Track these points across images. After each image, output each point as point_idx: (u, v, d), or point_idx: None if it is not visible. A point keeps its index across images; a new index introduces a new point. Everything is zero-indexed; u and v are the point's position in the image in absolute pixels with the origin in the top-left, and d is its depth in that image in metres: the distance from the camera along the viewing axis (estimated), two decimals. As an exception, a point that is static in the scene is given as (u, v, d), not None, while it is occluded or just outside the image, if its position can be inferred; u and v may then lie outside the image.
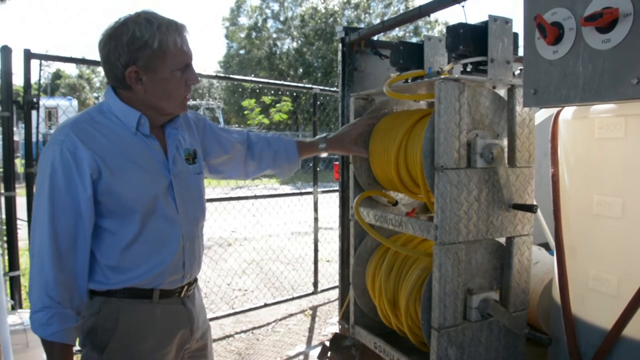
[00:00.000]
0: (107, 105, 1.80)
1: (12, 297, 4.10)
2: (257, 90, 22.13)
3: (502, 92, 2.44)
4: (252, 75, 30.01)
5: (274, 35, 35.91)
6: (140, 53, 1.68)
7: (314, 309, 6.02)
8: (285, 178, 2.58)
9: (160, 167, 1.83)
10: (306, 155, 2.58)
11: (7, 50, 3.96)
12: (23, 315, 3.70)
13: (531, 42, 1.79)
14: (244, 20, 36.91)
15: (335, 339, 3.14)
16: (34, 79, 4.11)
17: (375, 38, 3.33)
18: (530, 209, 2.24)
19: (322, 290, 6.45)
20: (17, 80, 4.16)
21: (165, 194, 1.83)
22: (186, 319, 1.95)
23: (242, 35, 36.33)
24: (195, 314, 2.00)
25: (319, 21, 32.88)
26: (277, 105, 19.91)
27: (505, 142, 2.38)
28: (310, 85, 6.43)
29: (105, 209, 1.73)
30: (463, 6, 2.46)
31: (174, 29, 1.73)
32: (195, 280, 2.05)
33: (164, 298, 1.86)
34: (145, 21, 1.69)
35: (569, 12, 1.64)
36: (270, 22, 36.07)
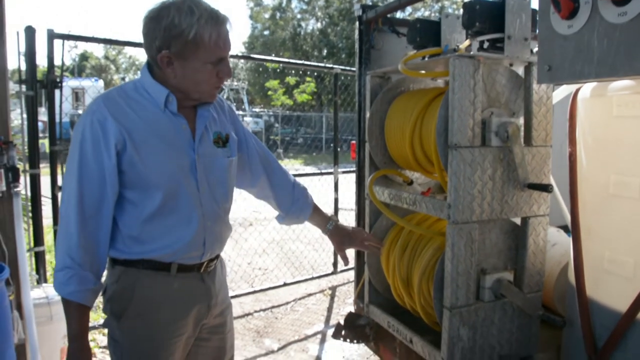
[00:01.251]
0: (140, 82, 1.84)
1: (37, 272, 4.18)
2: (280, 71, 22.07)
3: (519, 69, 2.39)
4: (273, 56, 30.01)
5: (298, 16, 35.68)
6: (175, 41, 1.71)
7: (333, 289, 6.04)
8: (283, 222, 2.43)
9: (185, 146, 1.85)
10: (313, 221, 2.43)
11: (31, 31, 4.01)
12: (47, 289, 3.78)
13: (546, 17, 1.74)
14: (268, 1, 36.69)
15: (350, 317, 3.15)
16: (57, 58, 4.16)
17: (398, 16, 3.28)
18: (546, 188, 2.21)
19: (342, 271, 6.45)
20: (42, 61, 4.22)
21: (187, 172, 1.85)
22: (204, 294, 1.97)
23: (267, 16, 36.16)
24: (214, 290, 2.02)
25: (343, 1, 32.59)
26: (302, 86, 19.89)
27: (521, 121, 2.34)
28: (330, 65, 6.40)
29: (129, 180, 1.77)
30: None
31: (214, 23, 1.74)
32: (217, 257, 2.06)
33: (181, 272, 1.89)
34: (188, 9, 1.70)
35: (584, -15, 1.59)
36: (294, 3, 35.81)
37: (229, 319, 2.16)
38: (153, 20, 1.73)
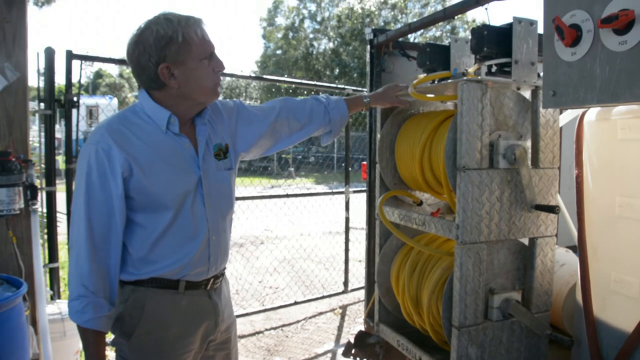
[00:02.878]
0: (140, 106, 1.89)
1: (52, 288, 4.25)
2: (292, 91, 22.19)
3: (527, 93, 2.44)
4: (286, 75, 30.12)
5: (311, 36, 35.94)
6: (168, 49, 1.77)
7: (344, 307, 6.06)
8: (336, 135, 2.52)
9: (190, 164, 1.91)
10: (353, 110, 2.55)
11: (50, 52, 4.12)
12: (61, 305, 3.84)
13: (550, 43, 1.80)
14: (281, 21, 37.05)
15: (360, 336, 3.18)
16: (75, 78, 4.27)
17: (410, 39, 3.35)
18: (553, 209, 2.25)
19: (353, 290, 6.48)
20: (60, 79, 4.32)
21: (195, 190, 1.91)
22: (211, 311, 2.02)
23: (279, 35, 36.47)
24: (221, 307, 2.07)
25: (355, 21, 32.78)
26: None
27: (529, 143, 2.39)
28: (342, 86, 6.48)
29: (137, 205, 1.82)
30: (486, 8, 2.47)
31: (193, 22, 1.82)
32: (223, 274, 2.12)
33: (189, 289, 1.94)
34: (165, 20, 1.78)
35: (587, 14, 1.64)
36: (307, 23, 36.12)
37: (233, 334, 2.21)
38: (140, 43, 1.79)
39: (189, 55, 1.81)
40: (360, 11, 33.12)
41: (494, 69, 2.38)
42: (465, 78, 2.27)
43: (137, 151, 1.80)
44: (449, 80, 2.48)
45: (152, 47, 1.77)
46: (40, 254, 3.48)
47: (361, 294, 6.42)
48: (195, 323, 1.97)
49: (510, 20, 2.29)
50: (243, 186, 10.58)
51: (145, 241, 1.85)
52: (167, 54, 1.78)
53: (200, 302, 1.99)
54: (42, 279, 3.46)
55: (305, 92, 20.04)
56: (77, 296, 1.76)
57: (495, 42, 2.30)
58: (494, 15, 2.44)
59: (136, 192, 1.80)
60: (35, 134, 4.30)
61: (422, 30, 28.44)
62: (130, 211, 1.83)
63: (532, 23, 2.30)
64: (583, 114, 2.31)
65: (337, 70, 34.02)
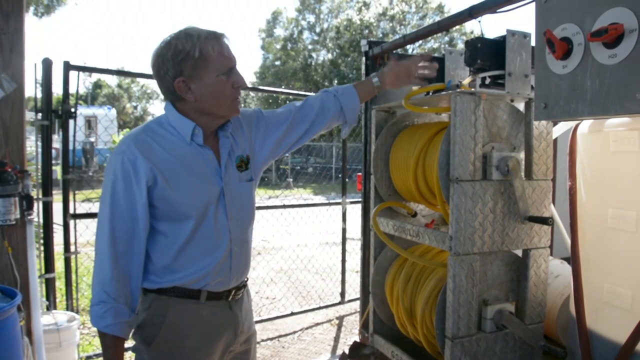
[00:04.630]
0: (165, 118, 1.92)
1: (47, 298, 4.24)
2: (290, 102, 22.28)
3: (520, 105, 2.46)
4: (283, 86, 30.21)
5: (309, 47, 36.08)
6: (185, 64, 1.79)
7: (341, 318, 6.04)
8: (352, 123, 2.34)
9: (214, 175, 1.93)
10: (364, 95, 2.34)
11: (48, 63, 4.14)
12: (57, 316, 3.83)
13: (542, 56, 1.81)
14: (279, 32, 37.20)
15: (355, 347, 3.18)
16: (72, 89, 4.28)
17: (409, 50, 3.37)
18: (546, 221, 2.26)
19: (350, 300, 6.45)
20: (58, 89, 4.32)
21: (217, 200, 1.92)
22: (231, 323, 2.02)
23: (278, 46, 36.60)
24: (241, 318, 2.07)
25: (354, 33, 32.91)
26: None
27: (522, 155, 2.40)
28: (339, 97, 6.46)
29: (161, 213, 1.85)
30: (479, 21, 2.49)
31: (212, 37, 1.83)
32: (245, 285, 2.12)
33: (211, 300, 1.95)
34: (185, 35, 1.81)
35: (577, 27, 1.66)
36: (305, 34, 36.25)
37: (253, 346, 2.21)
38: (160, 57, 1.82)
39: (205, 70, 1.82)
40: (358, 22, 33.28)
41: (487, 81, 2.39)
42: (458, 90, 2.28)
43: (162, 161, 1.82)
44: (443, 93, 2.50)
45: (170, 62, 1.80)
46: (35, 265, 3.47)
47: (358, 305, 6.39)
48: (215, 334, 1.97)
49: (504, 32, 2.31)
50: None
51: (168, 250, 1.87)
52: (184, 69, 1.80)
53: (221, 313, 1.99)
54: (37, 289, 3.45)
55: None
56: (99, 301, 1.78)
57: (489, 55, 2.32)
58: (490, 28, 2.45)
59: (160, 201, 1.82)
60: (32, 144, 4.29)
61: (420, 42, 28.64)
62: (154, 220, 1.85)
63: (526, 36, 2.32)
64: (576, 126, 2.33)
65: (336, 81, 34.06)
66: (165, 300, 1.89)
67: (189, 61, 1.79)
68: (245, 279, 2.11)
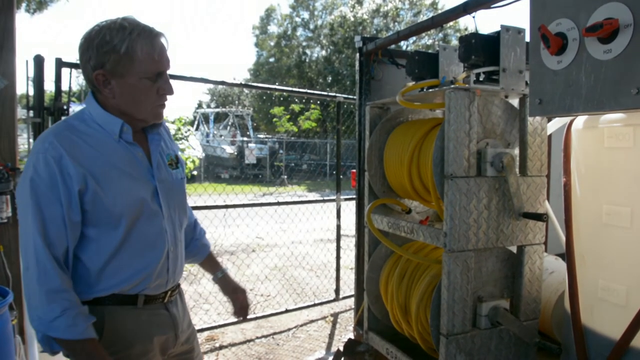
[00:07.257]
0: (88, 113, 1.80)
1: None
2: (283, 99, 22.29)
3: (515, 101, 2.45)
4: (277, 83, 30.18)
5: (304, 44, 36.08)
6: (107, 57, 1.69)
7: (335, 315, 6.04)
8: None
9: (145, 174, 1.85)
10: (204, 266, 2.41)
11: (39, 60, 4.10)
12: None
13: (537, 52, 1.80)
14: (273, 29, 37.21)
15: (350, 344, 3.17)
16: (65, 86, 4.25)
17: (403, 47, 3.36)
18: (540, 217, 2.25)
19: (344, 297, 6.46)
20: (50, 87, 4.29)
21: (152, 199, 1.84)
22: (170, 324, 1.97)
23: (272, 43, 36.60)
24: (179, 318, 2.02)
25: (348, 29, 32.92)
26: (306, 113, 20.02)
27: (516, 151, 2.39)
28: (333, 94, 6.46)
29: (91, 218, 1.73)
30: (474, 17, 2.48)
31: (147, 36, 1.73)
32: (178, 285, 2.07)
33: (148, 304, 1.88)
34: (119, 26, 1.70)
35: (572, 22, 1.65)
36: (299, 31, 36.27)
37: (195, 344, 2.17)
38: (86, 42, 1.72)
39: (128, 70, 1.72)
40: (352, 19, 33.28)
41: (482, 77, 2.38)
42: (452, 86, 2.27)
43: (91, 161, 1.71)
44: (437, 89, 2.49)
45: (94, 50, 1.70)
46: (27, 263, 3.45)
47: (353, 302, 6.40)
48: (157, 337, 1.91)
49: (498, 28, 2.30)
50: (234, 194, 10.60)
51: (99, 255, 1.75)
52: (106, 62, 1.70)
53: (160, 316, 1.93)
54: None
55: (297, 100, 20.11)
56: (63, 311, 1.63)
57: (483, 50, 2.31)
58: (484, 24, 2.45)
59: (91, 204, 1.70)
60: (25, 142, 4.25)
61: (414, 39, 28.64)
62: (84, 225, 1.73)
63: (520, 31, 2.31)
64: (571, 122, 2.32)
65: (330, 78, 34.13)
66: (100, 310, 1.77)
67: (113, 55, 1.69)
68: (179, 280, 2.05)
